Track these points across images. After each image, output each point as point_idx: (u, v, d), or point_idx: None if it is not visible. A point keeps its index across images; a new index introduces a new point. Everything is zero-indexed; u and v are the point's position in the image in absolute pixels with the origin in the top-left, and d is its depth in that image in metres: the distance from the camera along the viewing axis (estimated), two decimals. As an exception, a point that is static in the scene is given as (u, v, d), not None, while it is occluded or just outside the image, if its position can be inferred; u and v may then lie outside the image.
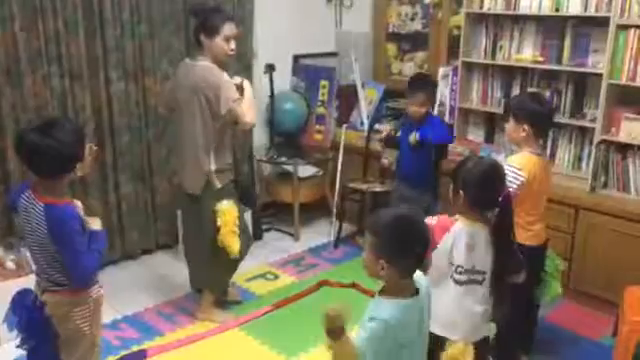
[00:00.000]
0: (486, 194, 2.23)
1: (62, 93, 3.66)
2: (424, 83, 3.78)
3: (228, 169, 3.30)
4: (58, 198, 2.13)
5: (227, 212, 3.19)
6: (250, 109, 3.11)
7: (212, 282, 3.45)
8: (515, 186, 2.63)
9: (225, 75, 3.07)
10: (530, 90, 3.89)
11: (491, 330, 2.42)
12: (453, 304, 2.25)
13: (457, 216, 2.26)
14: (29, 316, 2.20)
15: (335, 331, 1.70)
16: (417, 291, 1.84)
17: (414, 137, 3.67)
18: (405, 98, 4.48)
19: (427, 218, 2.13)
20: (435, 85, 3.88)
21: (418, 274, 1.88)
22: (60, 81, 3.64)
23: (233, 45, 3.12)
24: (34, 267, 2.28)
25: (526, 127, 2.74)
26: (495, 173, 2.27)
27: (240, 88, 3.12)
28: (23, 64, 3.46)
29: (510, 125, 2.82)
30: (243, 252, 3.38)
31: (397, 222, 1.79)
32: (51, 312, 2.19)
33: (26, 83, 3.49)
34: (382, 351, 1.74)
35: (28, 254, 2.28)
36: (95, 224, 2.27)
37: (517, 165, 2.69)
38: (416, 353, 1.87)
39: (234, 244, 3.22)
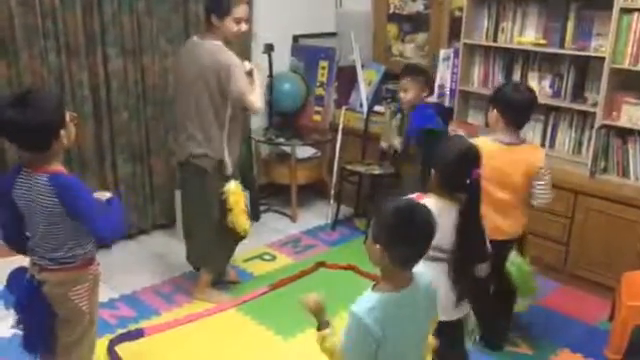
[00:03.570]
0: (455, 175, 2.24)
1: (59, 70, 3.61)
2: (410, 70, 3.76)
3: (236, 157, 3.33)
4: (57, 169, 2.10)
5: (236, 192, 3.23)
6: (260, 95, 3.15)
7: (212, 262, 3.45)
8: None
9: (235, 57, 3.08)
10: (532, 74, 3.89)
11: (464, 312, 2.40)
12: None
13: (429, 194, 2.27)
14: (26, 296, 2.17)
15: (318, 322, 1.80)
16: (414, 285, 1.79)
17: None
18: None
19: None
20: (425, 72, 3.81)
21: (422, 271, 1.84)
22: (57, 57, 3.59)
23: (244, 27, 3.12)
24: (31, 246, 2.22)
25: (495, 112, 2.78)
26: (469, 155, 2.27)
27: (249, 74, 3.13)
28: (19, 39, 3.41)
29: (490, 113, 2.85)
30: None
31: (396, 210, 1.73)
32: (49, 291, 2.16)
33: (22, 59, 3.44)
34: (358, 345, 1.71)
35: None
36: (105, 196, 2.30)
37: None
38: (399, 353, 1.78)
39: (245, 224, 3.29)
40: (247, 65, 3.17)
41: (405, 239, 1.69)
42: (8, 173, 2.20)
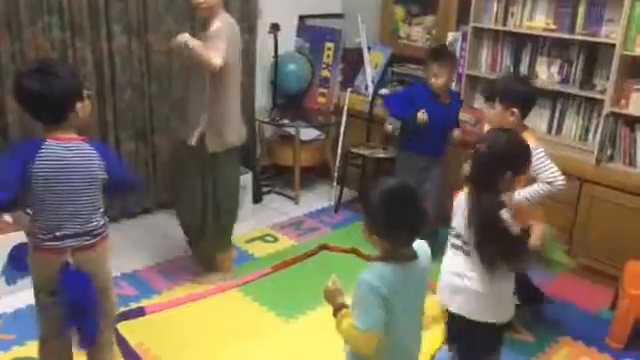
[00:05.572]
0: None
1: (63, 46, 3.57)
2: (439, 54, 3.57)
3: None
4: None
5: None
6: None
7: None
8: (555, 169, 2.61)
9: None
10: (541, 63, 3.86)
11: None
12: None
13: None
14: (79, 292, 2.11)
15: (334, 307, 1.79)
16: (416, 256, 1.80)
17: (422, 116, 3.46)
18: (412, 63, 4.45)
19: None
20: (454, 56, 3.74)
21: (420, 243, 1.84)
22: (61, 33, 3.55)
23: None
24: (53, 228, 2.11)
25: (515, 111, 2.66)
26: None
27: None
28: (23, 14, 3.36)
29: (496, 110, 2.69)
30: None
31: (383, 199, 1.73)
32: (91, 268, 2.15)
33: (26, 34, 3.40)
34: (369, 308, 1.69)
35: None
36: None
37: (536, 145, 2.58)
38: (407, 327, 1.81)
39: None
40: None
41: (398, 222, 1.71)
42: (28, 144, 2.10)
